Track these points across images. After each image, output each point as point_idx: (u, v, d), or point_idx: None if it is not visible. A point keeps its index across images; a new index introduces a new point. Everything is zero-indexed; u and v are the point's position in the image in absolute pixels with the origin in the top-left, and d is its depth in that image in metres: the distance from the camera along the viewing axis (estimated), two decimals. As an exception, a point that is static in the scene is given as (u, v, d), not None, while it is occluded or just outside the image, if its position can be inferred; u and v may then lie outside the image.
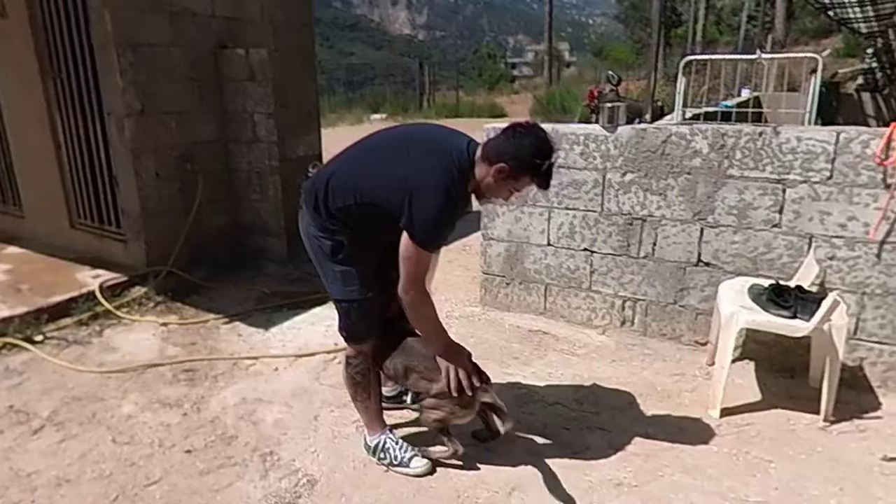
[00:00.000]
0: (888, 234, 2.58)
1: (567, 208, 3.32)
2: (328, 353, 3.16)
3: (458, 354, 2.10)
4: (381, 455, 2.26)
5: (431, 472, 2.22)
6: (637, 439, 2.38)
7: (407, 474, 2.20)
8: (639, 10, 23.70)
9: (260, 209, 4.52)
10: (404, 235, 1.94)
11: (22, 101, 4.46)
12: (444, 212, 1.93)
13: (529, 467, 2.22)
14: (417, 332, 2.19)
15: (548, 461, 2.24)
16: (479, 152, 2.01)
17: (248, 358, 3.12)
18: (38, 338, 3.29)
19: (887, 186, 2.54)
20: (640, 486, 2.12)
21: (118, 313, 3.60)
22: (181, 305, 3.78)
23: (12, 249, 4.60)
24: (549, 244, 3.42)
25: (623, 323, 3.33)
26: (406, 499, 2.10)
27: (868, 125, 3.21)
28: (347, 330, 2.21)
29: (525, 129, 2.00)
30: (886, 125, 2.58)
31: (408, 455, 2.23)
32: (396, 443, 2.26)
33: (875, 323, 2.69)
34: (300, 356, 3.14)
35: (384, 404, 2.44)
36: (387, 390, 2.57)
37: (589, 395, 2.72)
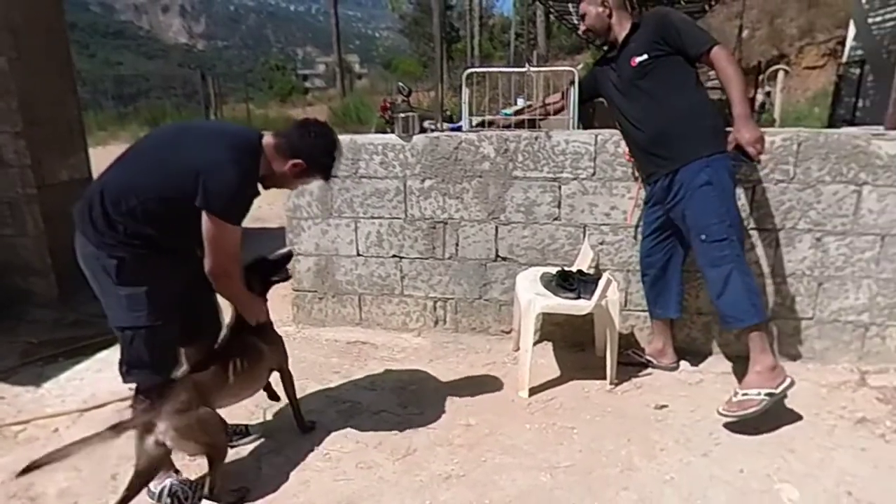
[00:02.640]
0: (640, 218, 3.01)
1: (373, 217, 3.35)
2: (123, 400, 2.75)
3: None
4: (167, 500, 2.00)
5: None
6: (460, 431, 2.47)
7: None
8: (421, 26, 24.93)
9: (17, 245, 3.81)
10: (204, 217, 1.80)
11: None
12: (240, 180, 1.87)
13: (361, 481, 2.18)
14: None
15: (379, 469, 2.23)
16: (272, 143, 2.02)
17: (16, 423, 2.59)
18: None
19: (636, 179, 2.98)
20: (467, 475, 2.20)
21: None
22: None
23: None
24: (358, 254, 3.41)
25: (436, 323, 3.45)
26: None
27: (616, 128, 3.70)
28: (129, 363, 1.96)
29: (318, 129, 2.05)
30: (630, 127, 3.01)
31: (193, 498, 2.00)
32: (184, 488, 2.02)
33: (638, 294, 3.14)
34: (86, 410, 2.68)
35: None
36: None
37: (412, 397, 2.76)
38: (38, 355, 3.23)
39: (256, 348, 2.21)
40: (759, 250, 2.94)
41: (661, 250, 2.79)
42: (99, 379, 2.97)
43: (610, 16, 2.66)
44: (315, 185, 3.28)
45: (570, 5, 9.92)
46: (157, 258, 1.89)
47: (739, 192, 2.90)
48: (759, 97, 10.41)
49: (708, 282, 2.53)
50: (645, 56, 2.54)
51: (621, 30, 2.66)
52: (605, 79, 2.82)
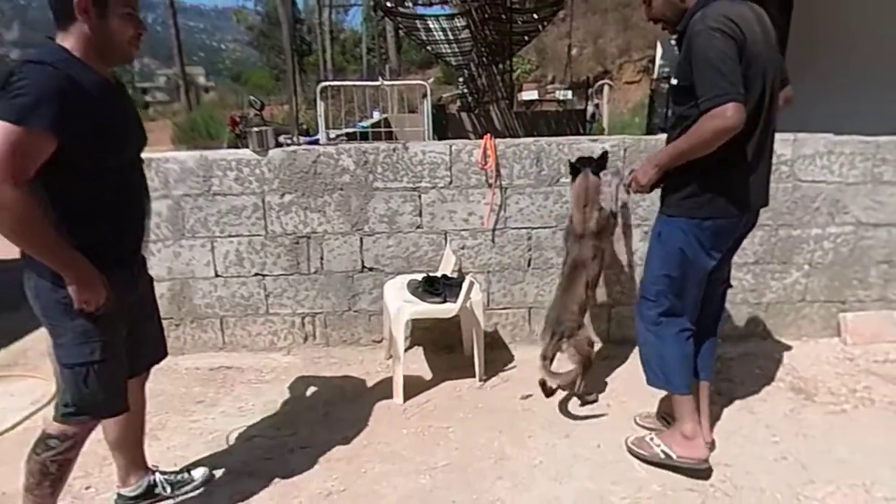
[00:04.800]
0: (496, 222, 3.17)
1: (230, 235, 3.16)
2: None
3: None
4: None
5: None
6: (337, 447, 2.41)
7: None
8: (270, 38, 24.06)
9: None
10: None
11: None
12: (32, 83, 1.41)
13: (235, 512, 2.05)
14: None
15: (255, 498, 2.11)
16: (60, 33, 1.55)
17: None
18: None
19: (489, 185, 3.12)
20: (348, 489, 2.16)
21: None
22: None
23: None
24: (217, 275, 3.20)
25: (306, 339, 3.34)
26: None
27: (469, 138, 3.89)
28: (79, 401, 1.66)
29: None
30: (481, 137, 3.12)
31: None
32: None
33: (499, 294, 3.29)
34: None
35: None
36: (130, 490, 2.06)
37: (285, 418, 2.65)
38: None
39: None
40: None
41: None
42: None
43: (685, 2, 2.01)
44: (163, 205, 3.04)
45: (416, 21, 10.18)
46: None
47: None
48: (590, 109, 11.43)
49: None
50: (675, 82, 2.03)
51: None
52: None
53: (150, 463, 2.15)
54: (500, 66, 11.64)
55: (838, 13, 5.30)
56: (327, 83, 6.61)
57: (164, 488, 2.11)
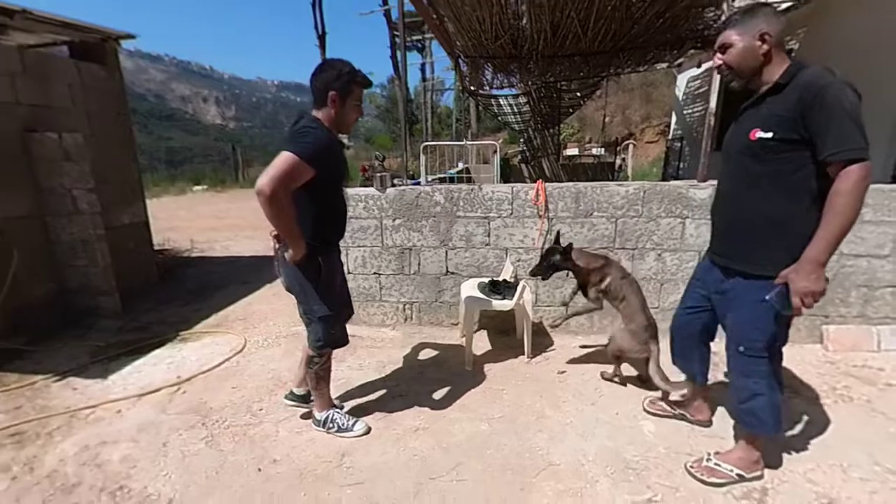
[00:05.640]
0: (543, 243, 3.09)
1: (359, 245, 3.29)
2: (171, 386, 2.59)
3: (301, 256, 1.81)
4: (329, 425, 2.08)
5: (369, 431, 2.11)
6: (425, 396, 2.43)
7: (351, 436, 2.08)
8: (391, 113, 25.11)
9: (88, 273, 3.55)
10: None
11: None
12: (309, 136, 1.70)
13: (353, 437, 2.11)
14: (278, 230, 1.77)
15: (366, 420, 2.16)
16: (315, 109, 1.80)
17: (86, 408, 2.38)
18: None
19: (539, 216, 3.05)
20: (430, 427, 2.16)
21: (-85, 396, 2.45)
22: (1, 374, 2.75)
23: None
24: (349, 272, 3.34)
25: (406, 320, 3.40)
26: (257, 485, 1.80)
27: (525, 182, 3.81)
28: (327, 340, 1.98)
29: (320, 67, 1.79)
30: (535, 182, 3.07)
31: (350, 422, 2.09)
32: (340, 414, 2.11)
33: (545, 295, 3.20)
34: (143, 395, 2.50)
35: (291, 401, 2.27)
36: (300, 391, 2.27)
37: (390, 374, 2.70)
38: (105, 355, 3.00)
39: None
40: (623, 262, 3.06)
41: (697, 320, 1.88)
42: (154, 371, 2.79)
43: (767, 55, 1.45)
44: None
45: (491, 99, 10.22)
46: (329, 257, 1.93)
47: (608, 224, 3.02)
48: (618, 161, 10.91)
49: (734, 387, 1.73)
50: (770, 134, 1.42)
51: (771, 76, 1.46)
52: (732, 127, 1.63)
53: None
54: (551, 130, 11.42)
55: (825, 60, 4.73)
56: (427, 143, 6.80)
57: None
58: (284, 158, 1.64)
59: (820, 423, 2.14)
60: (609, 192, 2.95)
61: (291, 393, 2.28)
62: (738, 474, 1.77)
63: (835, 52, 4.43)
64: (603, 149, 12.25)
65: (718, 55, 1.54)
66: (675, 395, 2.23)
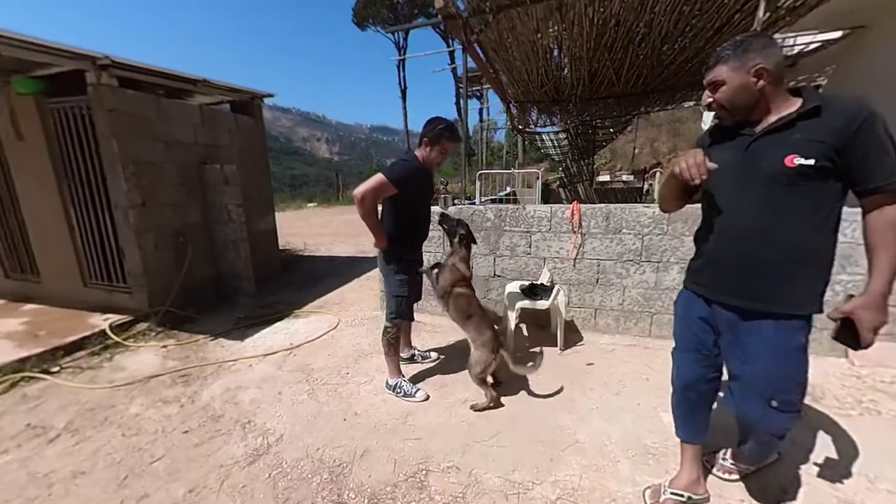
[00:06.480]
0: (577, 255, 2.94)
1: (426, 251, 3.33)
2: (286, 350, 2.80)
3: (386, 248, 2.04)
4: (397, 391, 2.14)
5: (428, 398, 2.12)
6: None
7: (414, 401, 2.12)
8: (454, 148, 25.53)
9: (236, 264, 3.95)
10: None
11: (39, 198, 3.47)
12: (398, 166, 1.94)
13: (417, 402, 2.13)
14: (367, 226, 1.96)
15: (426, 389, 2.18)
16: (417, 149, 2.03)
17: (229, 361, 2.65)
18: (55, 369, 2.46)
19: (574, 232, 2.91)
20: (476, 399, 2.10)
21: (125, 343, 2.86)
22: (177, 332, 3.12)
23: (29, 306, 3.46)
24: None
25: (460, 311, 3.37)
26: (342, 431, 1.89)
27: (563, 203, 3.66)
28: (398, 313, 2.11)
29: (430, 121, 2.00)
30: (570, 203, 2.94)
31: (413, 390, 2.13)
32: (406, 383, 2.17)
33: (576, 298, 3.03)
34: (267, 355, 2.73)
35: (403, 362, 2.41)
36: (405, 354, 2.45)
37: (445, 354, 2.69)
38: (243, 324, 3.31)
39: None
40: (648, 274, 2.83)
41: (707, 367, 1.37)
42: (275, 338, 3.02)
43: (763, 91, 1.14)
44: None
45: (535, 136, 9.99)
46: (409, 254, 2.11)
47: (635, 239, 2.81)
48: (645, 186, 10.13)
49: (759, 443, 1.40)
50: (812, 161, 1.10)
51: (773, 110, 1.16)
52: (717, 156, 1.22)
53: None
54: (586, 160, 10.91)
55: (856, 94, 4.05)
56: (482, 171, 6.81)
57: (418, 358, 2.54)
58: (377, 178, 1.88)
59: (845, 434, 1.81)
60: (637, 212, 2.75)
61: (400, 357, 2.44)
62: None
63: (864, 87, 3.79)
64: (632, 176, 11.45)
65: (708, 93, 1.20)
66: (530, 375, 2.14)
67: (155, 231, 3.34)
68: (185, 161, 3.64)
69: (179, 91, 3.70)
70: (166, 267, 3.43)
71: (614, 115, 7.28)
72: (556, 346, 2.73)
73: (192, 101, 4.17)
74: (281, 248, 5.72)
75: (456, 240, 2.14)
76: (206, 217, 3.87)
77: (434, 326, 3.21)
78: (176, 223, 3.55)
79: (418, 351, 2.61)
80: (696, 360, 1.37)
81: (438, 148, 1.99)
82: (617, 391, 2.21)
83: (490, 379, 2.11)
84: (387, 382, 2.22)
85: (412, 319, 2.20)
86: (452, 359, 2.62)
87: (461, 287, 2.07)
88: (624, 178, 11.81)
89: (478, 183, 5.73)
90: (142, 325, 3.13)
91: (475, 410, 2.04)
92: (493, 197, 7.11)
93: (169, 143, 3.46)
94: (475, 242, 2.25)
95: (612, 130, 9.15)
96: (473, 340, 2.04)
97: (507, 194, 7.52)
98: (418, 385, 2.22)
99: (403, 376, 2.25)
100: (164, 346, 2.88)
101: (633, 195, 9.37)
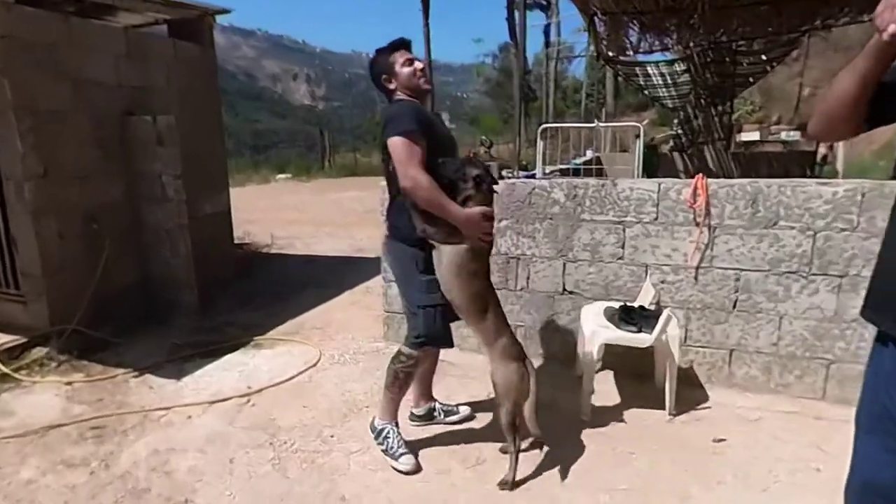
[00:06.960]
0: (701, 260, 2.88)
1: (455, 251, 3.37)
2: (241, 396, 2.92)
3: (474, 223, 2.03)
4: (381, 440, 2.27)
5: (416, 471, 2.20)
6: (524, 446, 2.36)
7: (394, 468, 2.20)
8: (503, 88, 25.36)
9: (171, 264, 4.16)
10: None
11: None
12: (400, 113, 2.04)
13: (437, 484, 2.16)
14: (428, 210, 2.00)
15: (451, 474, 2.19)
16: (384, 88, 2.19)
17: (160, 409, 2.80)
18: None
19: (696, 224, 2.85)
20: (530, 488, 2.13)
21: (15, 376, 3.09)
22: (87, 363, 3.34)
23: None
24: (441, 283, 3.44)
25: (507, 346, 3.38)
26: (322, 529, 1.95)
27: (679, 177, 3.59)
28: (428, 333, 2.13)
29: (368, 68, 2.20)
30: (692, 177, 2.88)
31: (400, 451, 2.23)
32: (397, 436, 2.26)
33: (698, 332, 2.96)
34: (213, 402, 2.86)
35: (414, 422, 2.56)
36: (419, 410, 2.57)
37: (484, 414, 2.70)
38: (180, 354, 3.49)
39: None
40: (824, 295, 2.69)
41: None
42: (225, 377, 3.17)
43: None
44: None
45: (635, 68, 9.78)
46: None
47: (801, 238, 2.70)
48: (822, 150, 9.67)
49: None
50: None
51: None
52: None
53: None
54: (720, 107, 10.56)
55: None
56: (547, 125, 6.71)
57: (439, 414, 2.61)
58: (400, 144, 1.94)
59: None
60: (805, 193, 2.64)
61: (412, 414, 2.57)
62: None
63: None
64: (798, 132, 10.96)
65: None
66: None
67: (59, 213, 3.58)
68: (103, 110, 3.87)
69: (96, 7, 3.95)
70: (73, 266, 3.67)
71: (770, 32, 7.02)
72: (662, 407, 2.67)
73: (115, 20, 4.43)
74: (237, 241, 5.97)
75: (470, 185, 2.04)
76: (130, 193, 4.10)
77: (465, 369, 3.23)
78: (88, 202, 3.78)
79: (440, 404, 2.65)
80: (891, 448, 1.21)
81: (399, 65, 2.12)
82: (764, 486, 2.13)
83: (535, 429, 2.11)
84: (372, 423, 2.33)
85: (451, 345, 2.23)
86: (496, 422, 2.62)
87: (479, 262, 2.12)
88: (784, 136, 11.35)
89: (539, 144, 5.67)
90: (39, 352, 3.37)
91: (502, 488, 2.09)
92: (563, 166, 7.03)
93: (80, 82, 3.69)
94: (497, 183, 2.25)
95: (764, 58, 8.82)
96: (489, 345, 2.12)
97: (586, 162, 7.42)
98: (422, 451, 2.26)
99: (397, 424, 2.33)
100: (70, 384, 3.07)
101: (801, 164, 8.96)
